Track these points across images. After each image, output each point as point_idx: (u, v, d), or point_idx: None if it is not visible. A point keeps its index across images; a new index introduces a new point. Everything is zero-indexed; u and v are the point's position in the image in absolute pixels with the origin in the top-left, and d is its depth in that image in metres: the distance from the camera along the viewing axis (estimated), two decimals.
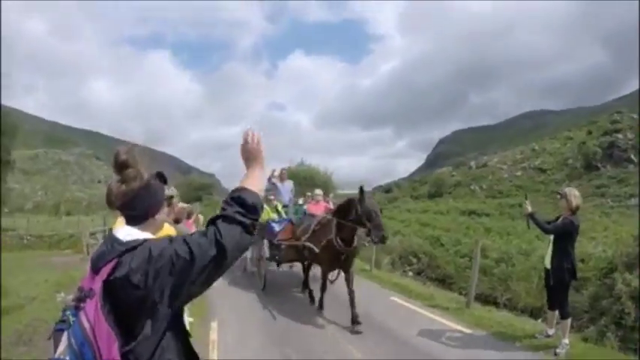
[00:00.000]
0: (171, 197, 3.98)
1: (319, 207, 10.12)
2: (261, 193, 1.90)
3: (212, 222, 1.73)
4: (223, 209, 1.75)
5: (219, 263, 1.65)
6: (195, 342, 1.90)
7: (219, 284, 7.83)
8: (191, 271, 1.60)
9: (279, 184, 11.57)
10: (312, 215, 9.43)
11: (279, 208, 11.06)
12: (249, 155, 1.95)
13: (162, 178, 1.90)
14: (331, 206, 10.00)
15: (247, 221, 1.73)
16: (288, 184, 11.97)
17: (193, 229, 4.35)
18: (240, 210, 1.74)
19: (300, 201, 12.13)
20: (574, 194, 6.25)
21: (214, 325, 7.71)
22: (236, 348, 6.61)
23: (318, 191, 10.93)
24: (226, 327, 7.66)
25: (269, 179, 11.28)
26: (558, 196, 6.44)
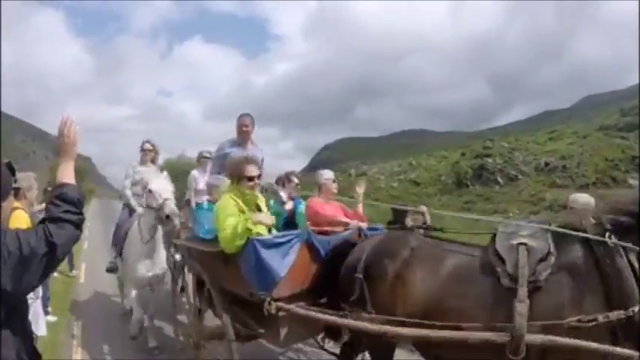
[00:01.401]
0: (19, 189, 3.94)
1: (333, 209, 4.72)
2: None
3: (42, 222, 1.80)
4: (50, 210, 1.82)
5: (50, 259, 1.75)
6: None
7: None
8: (21, 267, 1.67)
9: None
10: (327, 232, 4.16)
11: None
12: (64, 148, 1.95)
13: (10, 169, 1.93)
14: (361, 211, 4.91)
15: (75, 217, 1.83)
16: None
17: None
18: (67, 208, 1.82)
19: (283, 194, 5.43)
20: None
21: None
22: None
23: (328, 174, 5.10)
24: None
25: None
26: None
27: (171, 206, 4.94)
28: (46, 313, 6.11)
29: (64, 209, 1.80)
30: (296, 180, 5.86)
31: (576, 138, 65.92)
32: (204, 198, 5.85)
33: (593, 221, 3.04)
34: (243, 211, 3.79)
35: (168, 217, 4.89)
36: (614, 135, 74.71)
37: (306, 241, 3.77)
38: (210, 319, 4.51)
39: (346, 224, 4.29)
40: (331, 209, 4.61)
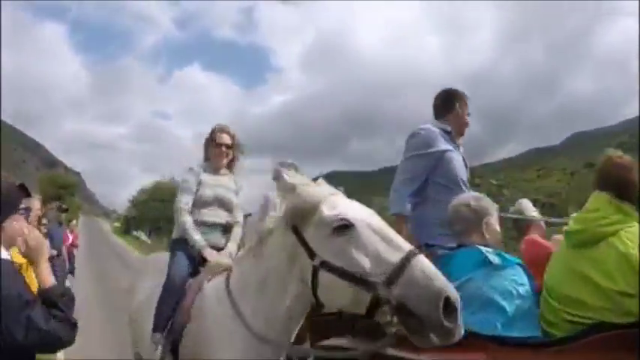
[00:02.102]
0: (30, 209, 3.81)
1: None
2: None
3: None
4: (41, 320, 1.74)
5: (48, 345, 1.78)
6: None
7: None
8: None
9: None
10: None
11: None
12: (34, 254, 1.92)
13: (24, 190, 1.97)
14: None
15: (67, 317, 1.81)
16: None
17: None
18: (58, 314, 1.77)
19: None
20: None
21: None
22: None
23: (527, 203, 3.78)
24: None
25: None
26: None
27: None
28: None
29: (55, 314, 1.76)
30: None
31: (563, 175, 66.96)
32: None
33: None
34: None
35: None
36: None
37: None
38: None
39: None
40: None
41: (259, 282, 2.19)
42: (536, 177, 69.55)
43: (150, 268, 3.54)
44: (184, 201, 3.24)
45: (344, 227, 1.86)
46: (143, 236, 44.88)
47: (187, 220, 3.18)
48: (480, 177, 61.68)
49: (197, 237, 3.10)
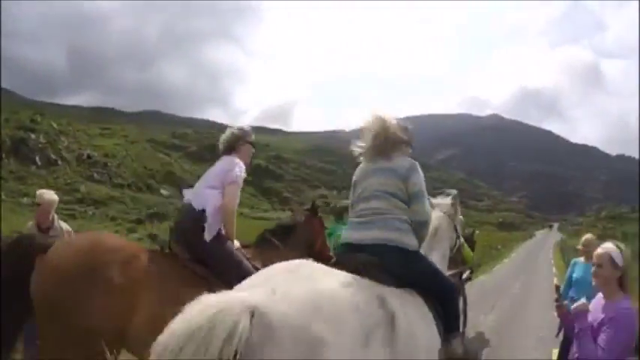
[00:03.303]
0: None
1: None
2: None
3: None
4: None
5: None
6: None
7: None
8: None
9: None
10: None
11: None
12: None
13: None
14: None
15: None
16: None
17: None
18: None
19: None
20: None
21: None
22: None
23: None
24: None
25: None
26: None
27: None
28: None
29: None
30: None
31: (125, 141, 70.04)
32: None
33: None
34: None
35: None
36: (160, 150, 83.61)
37: None
38: None
39: None
40: None
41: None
42: (99, 134, 70.05)
43: None
44: None
45: None
46: None
47: None
48: (41, 115, 56.75)
49: None
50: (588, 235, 5.10)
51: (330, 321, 1.78)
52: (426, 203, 2.62)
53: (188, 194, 3.47)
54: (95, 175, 48.60)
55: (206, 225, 3.22)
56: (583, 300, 2.76)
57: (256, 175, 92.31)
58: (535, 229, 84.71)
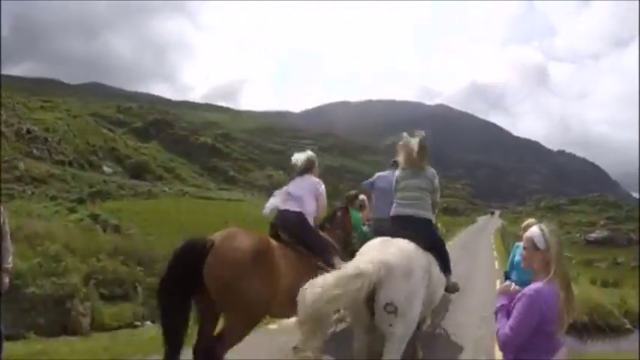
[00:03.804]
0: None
1: None
2: None
3: None
4: None
5: None
6: None
7: None
8: None
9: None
10: None
11: None
12: None
13: None
14: None
15: None
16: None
17: None
18: None
19: None
20: None
21: None
22: None
23: None
24: None
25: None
26: None
27: None
28: None
29: None
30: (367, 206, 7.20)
31: (67, 115, 66.92)
32: None
33: None
34: None
35: None
36: (104, 126, 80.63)
37: None
38: None
39: None
40: None
41: None
42: (40, 107, 66.61)
43: None
44: None
45: None
46: None
47: None
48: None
49: None
50: (530, 220, 5.37)
51: (411, 265, 3.73)
52: (439, 193, 4.83)
53: (276, 200, 5.00)
54: (35, 151, 46.01)
55: (307, 220, 4.74)
56: (508, 282, 2.90)
57: (203, 154, 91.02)
58: (477, 216, 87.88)
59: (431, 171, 4.65)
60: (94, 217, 23.24)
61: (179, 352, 3.76)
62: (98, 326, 8.41)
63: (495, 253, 21.33)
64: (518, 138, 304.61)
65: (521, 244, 5.03)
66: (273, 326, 6.81)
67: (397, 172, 4.82)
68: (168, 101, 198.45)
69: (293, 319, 3.67)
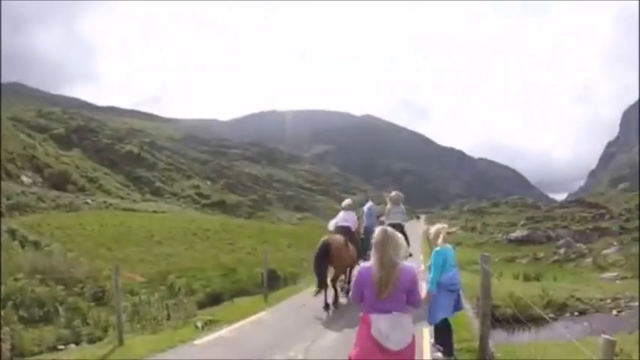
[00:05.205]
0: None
1: None
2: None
3: None
4: None
5: None
6: None
7: None
8: None
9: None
10: None
11: None
12: None
13: None
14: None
15: None
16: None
17: None
18: None
19: None
20: None
21: None
22: None
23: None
24: None
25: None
26: None
27: None
28: None
29: None
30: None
31: None
32: None
33: None
34: None
35: None
36: (23, 131, 77.14)
37: None
38: None
39: None
40: None
41: None
42: None
43: None
44: None
45: None
46: None
47: None
48: None
49: None
50: (438, 225, 6.83)
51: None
52: (405, 214, 13.50)
53: (337, 221, 11.13)
54: None
55: (352, 230, 10.96)
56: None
57: (128, 163, 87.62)
58: None
59: (402, 205, 12.89)
60: (12, 233, 21.67)
61: (326, 284, 9.68)
62: (18, 352, 7.93)
63: (422, 256, 21.88)
64: (442, 147, 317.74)
65: (439, 248, 6.30)
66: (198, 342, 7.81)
67: (388, 206, 12.85)
68: (93, 106, 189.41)
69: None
